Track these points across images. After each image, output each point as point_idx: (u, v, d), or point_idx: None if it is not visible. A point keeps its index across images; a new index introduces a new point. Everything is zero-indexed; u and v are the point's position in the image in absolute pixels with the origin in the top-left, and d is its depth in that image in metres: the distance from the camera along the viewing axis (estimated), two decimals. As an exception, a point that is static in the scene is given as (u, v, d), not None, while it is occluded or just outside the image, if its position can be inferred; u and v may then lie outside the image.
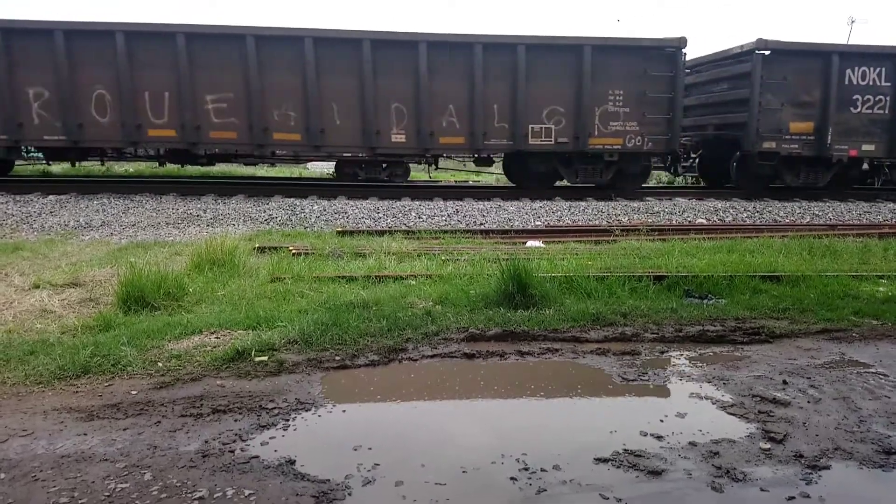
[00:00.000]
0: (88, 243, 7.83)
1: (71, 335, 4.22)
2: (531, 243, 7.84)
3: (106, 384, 3.50)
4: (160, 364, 3.73)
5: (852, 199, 12.77)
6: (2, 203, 10.12)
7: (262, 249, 7.08)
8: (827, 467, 2.72)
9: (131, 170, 18.46)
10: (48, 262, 6.50)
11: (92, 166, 18.19)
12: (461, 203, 11.24)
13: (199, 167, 14.95)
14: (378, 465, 2.69)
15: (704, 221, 10.31)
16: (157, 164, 13.44)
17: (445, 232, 8.62)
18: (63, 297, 5.16)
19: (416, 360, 3.98)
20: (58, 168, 18.30)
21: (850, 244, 7.63)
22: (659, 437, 2.96)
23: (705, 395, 3.51)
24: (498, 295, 4.99)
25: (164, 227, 9.09)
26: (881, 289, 5.65)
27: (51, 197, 10.80)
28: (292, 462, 2.70)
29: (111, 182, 13.27)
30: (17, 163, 14.36)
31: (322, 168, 19.29)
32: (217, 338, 4.17)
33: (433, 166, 13.25)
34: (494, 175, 19.04)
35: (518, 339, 4.34)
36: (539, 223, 9.87)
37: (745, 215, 10.88)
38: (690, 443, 2.92)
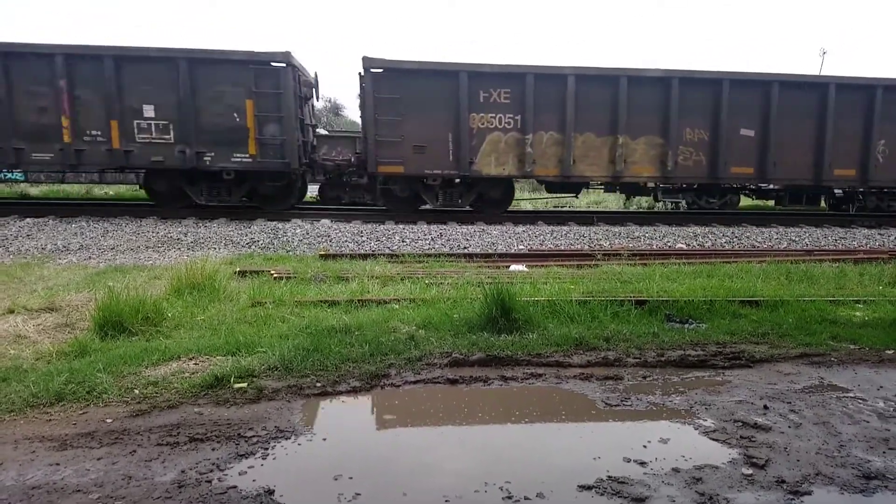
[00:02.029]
0: (66, 267, 7.70)
1: (45, 361, 4.12)
2: (514, 267, 7.87)
3: (80, 412, 3.41)
4: (136, 391, 3.65)
5: (827, 224, 13.04)
6: (-23, 226, 9.94)
7: (243, 273, 7.01)
8: (809, 493, 2.73)
9: (111, 192, 18.28)
10: (23, 287, 6.37)
11: (71, 188, 18.03)
12: (445, 227, 11.28)
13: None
14: (359, 494, 2.65)
15: (684, 246, 10.45)
16: (138, 186, 13.28)
17: (429, 256, 8.62)
18: (38, 322, 5.05)
19: (399, 386, 3.94)
20: (36, 190, 18.09)
21: (826, 269, 7.76)
22: (642, 464, 2.95)
23: (688, 420, 3.51)
24: (481, 319, 4.98)
25: (144, 250, 8.98)
26: (857, 313, 5.74)
27: (28, 220, 10.64)
28: (271, 492, 2.64)
29: (90, 205, 13.12)
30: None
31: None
32: (195, 364, 4.09)
33: None
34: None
35: (502, 364, 4.32)
36: (522, 247, 9.93)
37: (724, 241, 11.04)
38: (673, 469, 2.91)
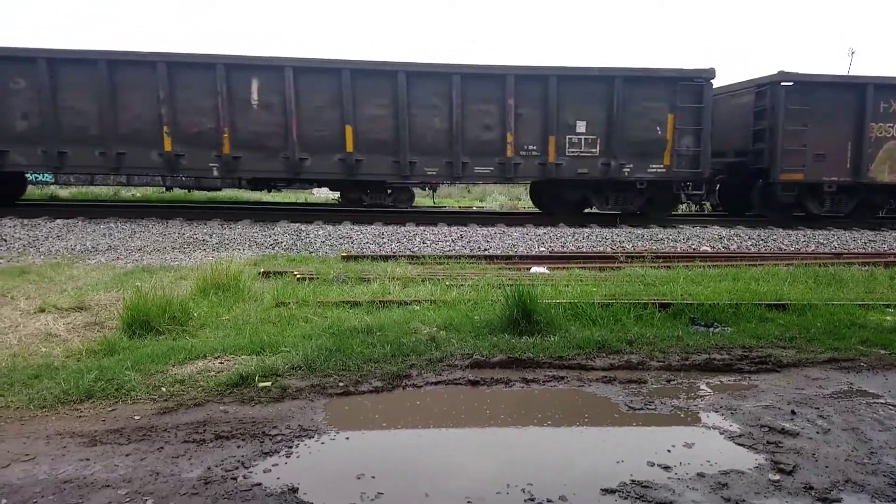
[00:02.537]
0: (94, 267, 7.86)
1: (75, 359, 4.22)
2: (535, 269, 7.84)
3: (109, 409, 3.48)
4: (164, 389, 3.72)
5: (856, 227, 12.76)
6: (10, 227, 10.20)
7: (266, 274, 7.10)
8: (838, 500, 2.68)
9: (138, 194, 18.62)
10: (54, 286, 6.52)
11: (100, 191, 18.41)
12: (465, 229, 11.28)
13: (206, 192, 15.09)
14: (381, 493, 2.66)
15: (709, 249, 10.31)
16: (164, 189, 13.57)
17: (450, 257, 8.63)
18: (68, 320, 5.17)
19: (421, 386, 3.96)
20: (66, 192, 18.52)
21: (855, 273, 7.60)
22: (666, 468, 2.92)
23: (713, 424, 3.47)
24: (502, 321, 4.98)
25: (170, 251, 9.14)
26: (888, 318, 5.61)
27: (58, 221, 10.89)
28: (295, 490, 2.67)
29: (118, 206, 13.40)
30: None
31: (327, 193, 19.44)
32: (221, 363, 4.16)
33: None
34: (498, 201, 19.18)
35: (523, 366, 4.31)
36: (543, 249, 9.89)
37: (750, 243, 10.87)
38: (698, 473, 2.87)
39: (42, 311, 5.43)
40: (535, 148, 11.96)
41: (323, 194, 19.67)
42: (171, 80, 11.15)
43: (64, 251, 8.91)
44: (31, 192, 17.72)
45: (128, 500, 2.57)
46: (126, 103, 11.21)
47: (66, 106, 11.10)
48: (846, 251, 10.20)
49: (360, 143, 11.58)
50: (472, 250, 9.61)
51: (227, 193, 17.97)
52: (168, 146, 11.29)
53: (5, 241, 9.39)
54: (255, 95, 11.37)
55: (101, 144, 11.22)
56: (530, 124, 11.87)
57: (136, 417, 3.38)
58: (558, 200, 12.85)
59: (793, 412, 3.62)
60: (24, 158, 11.27)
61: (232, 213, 12.34)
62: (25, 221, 10.68)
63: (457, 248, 9.78)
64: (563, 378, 4.13)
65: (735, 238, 11.15)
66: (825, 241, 11.13)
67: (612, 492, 2.70)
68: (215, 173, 11.75)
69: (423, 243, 10.00)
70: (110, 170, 11.80)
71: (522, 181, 13.20)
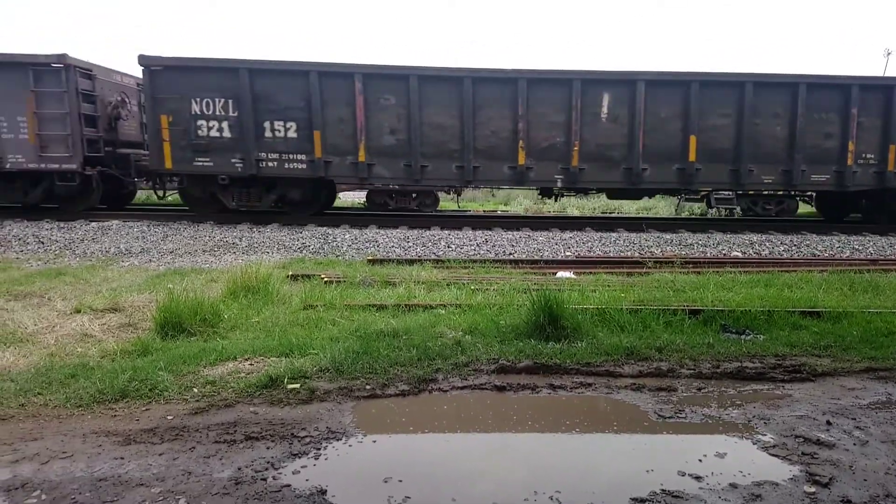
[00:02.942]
0: (128, 269, 8.05)
1: (110, 359, 4.32)
2: (561, 274, 7.79)
3: (143, 409, 3.56)
4: (195, 390, 3.79)
5: (892, 233, 12.40)
6: (47, 230, 10.51)
7: (295, 277, 7.18)
8: (877, 514, 2.60)
9: (169, 198, 18.98)
10: (89, 288, 6.69)
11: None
12: (490, 233, 11.27)
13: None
14: (409, 498, 2.67)
15: (740, 254, 10.12)
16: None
17: (475, 261, 8.63)
18: (103, 321, 5.30)
19: (446, 391, 3.96)
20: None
21: (893, 279, 7.38)
22: (698, 478, 2.87)
23: (745, 434, 3.40)
24: (528, 326, 4.95)
25: (201, 254, 9.30)
26: (929, 327, 5.43)
27: (93, 224, 11.17)
28: (323, 492, 2.69)
29: (151, 210, 13.68)
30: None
31: (353, 197, 19.59)
32: (251, 364, 4.22)
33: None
34: (523, 205, 19.08)
35: (550, 372, 4.28)
36: (569, 254, 9.82)
37: (782, 249, 10.64)
38: (731, 484, 2.82)
39: (78, 311, 5.58)
40: (872, 157, 12.20)
41: (348, 199, 19.82)
42: (529, 95, 11.55)
43: (99, 253, 9.14)
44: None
45: (161, 498, 2.62)
46: (485, 119, 11.69)
47: (430, 121, 11.62)
48: (882, 257, 9.92)
49: (701, 153, 11.93)
50: (497, 254, 9.59)
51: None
52: (521, 160, 11.74)
53: (43, 243, 9.67)
54: (604, 109, 11.77)
55: (460, 158, 11.72)
56: (870, 133, 12.11)
57: (169, 417, 3.44)
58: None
59: (828, 423, 3.53)
60: (387, 171, 11.83)
61: (261, 217, 12.51)
62: (62, 224, 10.99)
63: (482, 252, 9.77)
64: (590, 385, 4.09)
65: (767, 243, 10.93)
66: (860, 247, 10.84)
67: (642, 501, 2.67)
68: (559, 184, 12.22)
69: (448, 247, 10.01)
70: (464, 183, 12.31)
71: (856, 188, 12.92)
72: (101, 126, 12.20)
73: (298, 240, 10.28)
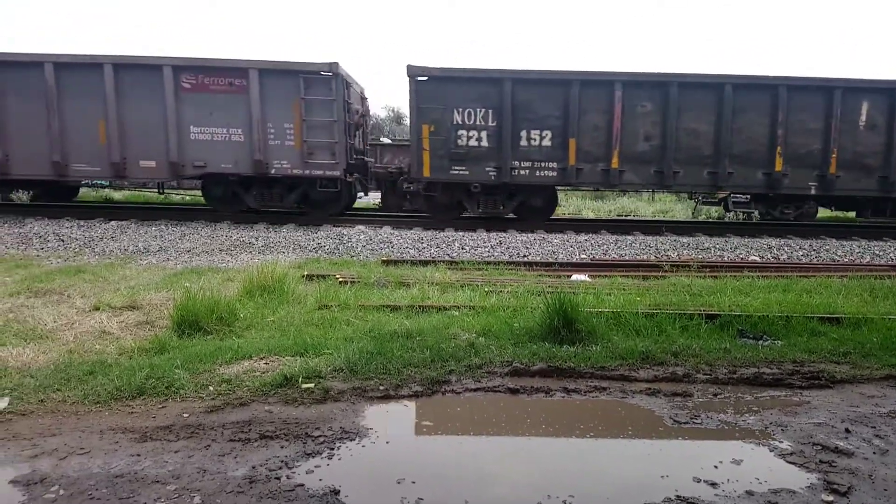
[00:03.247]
0: (146, 268, 8.15)
1: (128, 357, 4.37)
2: (576, 277, 7.75)
3: (160, 406, 3.60)
4: (211, 388, 3.82)
5: (916, 238, 12.19)
6: (67, 228, 10.67)
7: (310, 277, 7.22)
8: (897, 525, 2.56)
9: (188, 198, 19.21)
10: (108, 285, 6.78)
11: (150, 194, 19.06)
12: (504, 235, 11.25)
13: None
14: (422, 499, 2.67)
15: (758, 259, 10.00)
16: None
17: (489, 263, 8.61)
18: (121, 319, 5.37)
19: (460, 392, 3.95)
20: (119, 195, 19.25)
21: (915, 286, 7.25)
22: (713, 485, 2.84)
23: (762, 441, 3.36)
24: (542, 329, 4.93)
25: (218, 253, 9.39)
26: (952, 334, 5.33)
27: (112, 223, 11.33)
28: (336, 492, 2.70)
29: (168, 209, 13.85)
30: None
31: (368, 199, 19.65)
32: (266, 363, 4.25)
33: None
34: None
35: (564, 375, 4.26)
36: (584, 256, 9.77)
37: (801, 253, 10.50)
38: (747, 491, 2.79)
39: (96, 309, 5.65)
40: None
41: (364, 201, 19.89)
42: (789, 103, 11.77)
43: (117, 252, 9.26)
44: (86, 194, 18.48)
45: (176, 496, 2.65)
46: (742, 125, 11.92)
47: (685, 128, 11.89)
48: (905, 263, 9.75)
49: None
50: (511, 256, 9.57)
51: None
52: (779, 166, 11.97)
53: (63, 241, 9.82)
54: (863, 117, 11.97)
55: (713, 164, 11.97)
56: None
57: (185, 415, 3.48)
58: None
59: (847, 430, 3.48)
60: (637, 177, 12.12)
61: (277, 217, 12.60)
62: (82, 223, 11.16)
63: (496, 254, 9.75)
64: (605, 389, 4.07)
65: (785, 248, 10.79)
66: (881, 253, 10.67)
67: (656, 507, 2.64)
68: (812, 192, 12.36)
69: (462, 249, 10.01)
70: (716, 188, 12.67)
71: None
72: (351, 134, 12.63)
73: (314, 240, 10.34)
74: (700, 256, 9.80)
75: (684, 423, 3.58)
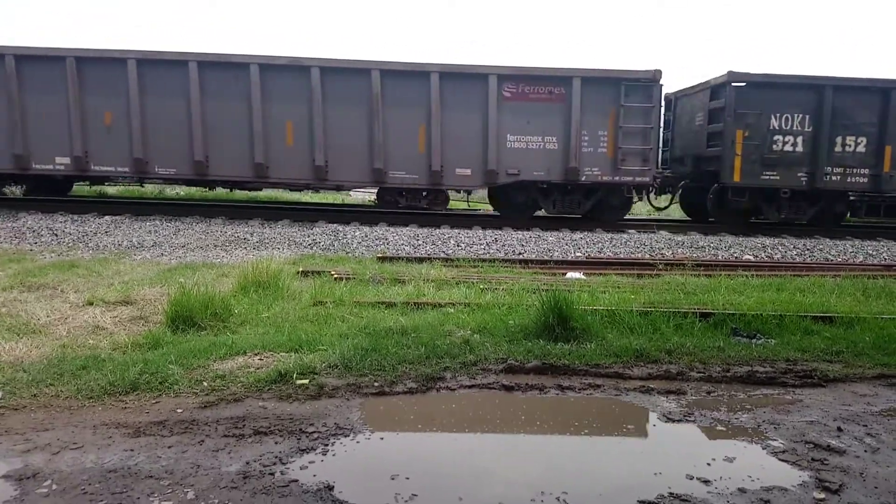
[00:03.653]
0: (140, 263, 8.11)
1: (121, 352, 4.36)
2: (571, 275, 7.76)
3: (153, 401, 3.59)
4: (205, 383, 3.81)
5: (909, 238, 12.26)
6: (61, 222, 10.61)
7: (305, 273, 7.21)
8: (888, 523, 2.57)
9: (182, 193, 19.13)
10: (101, 280, 6.75)
11: (145, 189, 18.98)
12: (500, 232, 11.25)
13: (247, 192, 15.44)
14: (416, 495, 2.67)
15: (752, 258, 10.04)
16: (207, 188, 14.02)
17: (484, 261, 8.62)
18: (115, 314, 5.35)
19: (454, 389, 3.96)
20: (113, 190, 19.14)
21: (908, 286, 7.29)
22: (706, 482, 2.86)
23: (755, 439, 3.38)
24: (537, 326, 4.94)
25: (213, 249, 9.36)
26: (943, 334, 5.36)
27: (106, 217, 11.27)
28: (331, 488, 2.70)
29: (163, 204, 13.79)
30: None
31: (364, 195, 19.63)
32: (260, 359, 4.24)
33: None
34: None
35: (558, 372, 4.27)
36: (579, 254, 9.78)
37: (795, 253, 10.55)
38: (739, 489, 2.80)
39: (90, 304, 5.63)
40: None
41: (360, 196, 19.86)
42: None
43: (111, 247, 9.22)
44: (79, 189, 18.37)
45: (169, 491, 2.64)
46: None
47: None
48: (897, 263, 9.80)
49: None
50: (506, 254, 9.57)
51: (267, 193, 18.30)
52: None
53: (56, 235, 9.77)
54: None
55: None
56: None
57: (179, 410, 3.47)
58: None
59: (839, 429, 3.50)
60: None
61: (272, 212, 12.56)
62: (75, 217, 11.09)
63: (491, 251, 9.75)
64: (599, 386, 4.08)
65: (779, 247, 10.84)
66: (874, 252, 10.73)
67: (650, 504, 2.66)
68: None
69: (458, 246, 10.01)
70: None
71: None
72: None
73: (309, 236, 10.32)
74: (694, 255, 9.83)
75: (678, 420, 3.60)
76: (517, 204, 12.60)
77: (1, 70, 11.24)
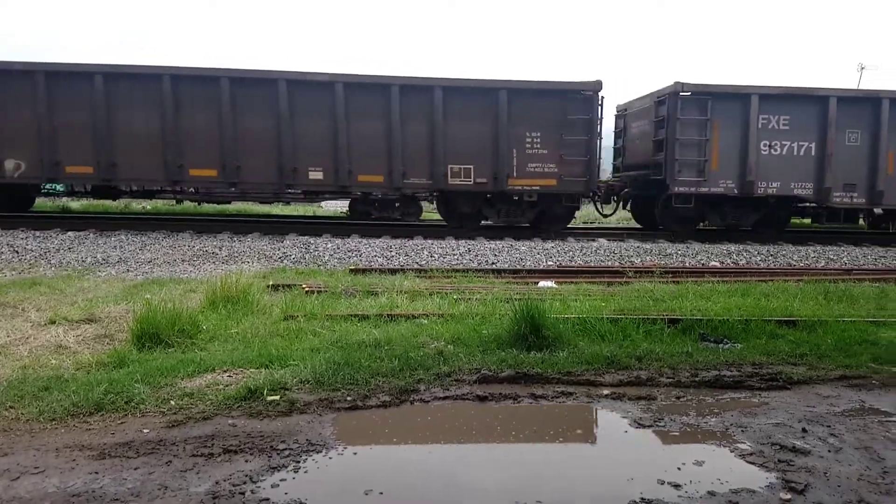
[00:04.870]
0: (105, 279, 7.92)
1: (85, 371, 4.24)
2: (543, 283, 7.83)
3: (118, 422, 3.49)
4: (172, 402, 3.73)
5: (867, 243, 12.68)
6: (22, 238, 10.31)
7: (275, 287, 7.12)
8: (851, 521, 2.64)
9: (148, 207, 18.76)
10: (65, 298, 6.57)
11: (110, 204, 18.56)
12: (473, 242, 11.30)
13: (216, 205, 15.21)
14: (390, 510, 2.65)
15: (718, 264, 10.26)
16: (175, 201, 13.80)
17: (458, 271, 8.63)
18: (78, 332, 5.21)
19: (428, 401, 3.95)
20: (77, 204, 18.69)
21: (866, 289, 7.54)
22: (676, 486, 2.90)
23: (723, 442, 3.44)
24: (510, 336, 4.96)
25: (180, 263, 9.19)
26: (900, 335, 5.55)
27: (69, 233, 11.00)
28: (303, 505, 2.66)
29: (129, 219, 13.52)
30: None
31: (336, 206, 19.52)
32: (229, 376, 4.17)
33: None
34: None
35: (531, 381, 4.29)
36: (551, 263, 9.88)
37: (759, 258, 10.82)
38: (709, 492, 2.85)
39: (52, 322, 5.47)
40: None
41: (332, 208, 19.74)
42: None
43: (75, 263, 8.99)
44: (42, 203, 17.90)
45: (136, 513, 2.57)
46: None
47: None
48: (856, 267, 10.13)
49: None
50: (479, 264, 9.61)
51: (237, 206, 18.07)
52: None
53: (17, 252, 9.48)
54: None
55: None
56: None
57: (145, 430, 3.39)
58: None
59: (804, 430, 3.58)
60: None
61: (242, 226, 12.41)
62: (37, 233, 10.80)
63: (465, 261, 9.78)
64: (572, 394, 4.11)
65: (744, 253, 11.11)
66: (835, 257, 11.07)
67: (622, 510, 2.68)
68: None
69: (431, 256, 10.02)
70: None
71: None
72: None
73: (280, 249, 10.21)
74: (662, 262, 10.00)
75: (648, 426, 3.64)
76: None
77: None
